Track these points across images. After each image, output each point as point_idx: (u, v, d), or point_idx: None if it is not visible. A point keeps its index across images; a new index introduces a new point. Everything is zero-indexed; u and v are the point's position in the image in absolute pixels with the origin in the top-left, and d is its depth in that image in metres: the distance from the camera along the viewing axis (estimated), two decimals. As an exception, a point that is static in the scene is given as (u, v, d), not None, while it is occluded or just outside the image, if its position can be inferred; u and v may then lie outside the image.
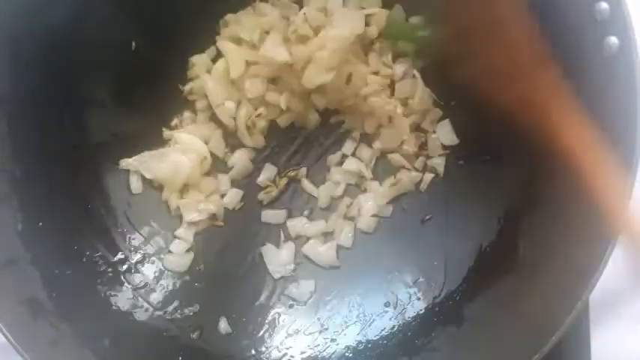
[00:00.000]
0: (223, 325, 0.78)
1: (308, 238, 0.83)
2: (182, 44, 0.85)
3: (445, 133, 0.84)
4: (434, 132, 0.84)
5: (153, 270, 0.81)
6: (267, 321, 0.79)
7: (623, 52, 0.58)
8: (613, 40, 0.59)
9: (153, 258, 0.82)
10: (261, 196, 0.84)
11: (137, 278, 0.80)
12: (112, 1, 0.78)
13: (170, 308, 0.79)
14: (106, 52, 0.80)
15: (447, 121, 0.84)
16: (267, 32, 0.82)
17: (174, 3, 0.83)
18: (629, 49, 0.57)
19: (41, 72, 0.74)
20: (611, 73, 0.59)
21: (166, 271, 0.81)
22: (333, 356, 0.77)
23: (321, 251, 0.82)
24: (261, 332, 0.79)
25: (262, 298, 0.81)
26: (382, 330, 0.78)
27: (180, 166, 0.81)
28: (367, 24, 0.82)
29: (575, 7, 0.61)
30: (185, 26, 0.84)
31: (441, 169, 0.83)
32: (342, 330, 0.79)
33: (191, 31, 0.85)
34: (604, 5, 0.59)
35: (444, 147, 0.84)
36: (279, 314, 0.80)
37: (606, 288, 0.56)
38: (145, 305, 0.78)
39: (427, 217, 0.83)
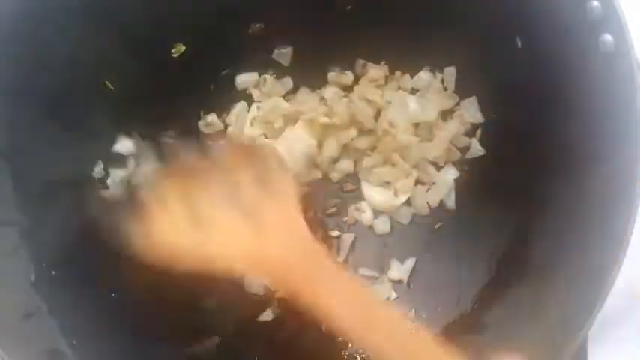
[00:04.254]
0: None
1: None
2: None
3: (471, 111, 0.83)
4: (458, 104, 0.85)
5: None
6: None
7: (619, 50, 0.57)
8: (607, 38, 0.58)
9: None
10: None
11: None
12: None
13: (191, 341, 0.78)
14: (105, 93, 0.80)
15: (473, 98, 0.83)
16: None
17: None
18: (625, 46, 0.57)
19: (41, 120, 0.74)
20: (609, 71, 0.59)
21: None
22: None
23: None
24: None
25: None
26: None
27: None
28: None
29: (566, 8, 0.61)
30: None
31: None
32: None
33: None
34: (595, 4, 0.59)
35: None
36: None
37: (604, 310, 0.56)
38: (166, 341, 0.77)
39: (438, 225, 0.83)
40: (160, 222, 0.59)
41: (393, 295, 0.81)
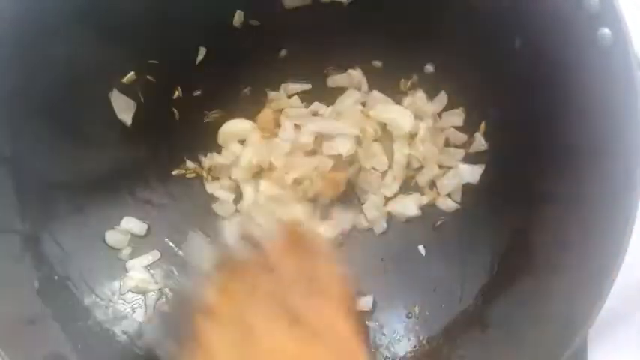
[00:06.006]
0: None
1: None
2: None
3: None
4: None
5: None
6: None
7: (617, 44, 0.56)
8: (606, 31, 0.57)
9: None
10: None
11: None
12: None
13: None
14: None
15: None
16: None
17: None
18: (623, 40, 0.55)
19: (39, 127, 0.74)
20: (608, 65, 0.57)
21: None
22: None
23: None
24: None
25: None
26: (408, 341, 0.78)
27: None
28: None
29: (564, 3, 0.60)
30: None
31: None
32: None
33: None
34: (593, -3, 0.57)
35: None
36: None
37: (604, 310, 0.55)
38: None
39: (439, 222, 0.82)
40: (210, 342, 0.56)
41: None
